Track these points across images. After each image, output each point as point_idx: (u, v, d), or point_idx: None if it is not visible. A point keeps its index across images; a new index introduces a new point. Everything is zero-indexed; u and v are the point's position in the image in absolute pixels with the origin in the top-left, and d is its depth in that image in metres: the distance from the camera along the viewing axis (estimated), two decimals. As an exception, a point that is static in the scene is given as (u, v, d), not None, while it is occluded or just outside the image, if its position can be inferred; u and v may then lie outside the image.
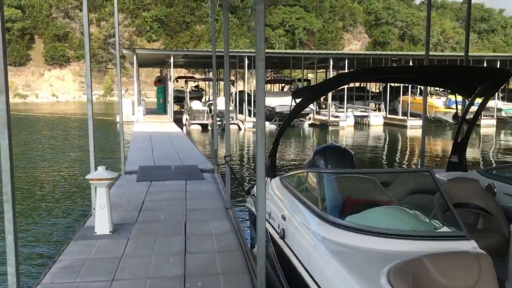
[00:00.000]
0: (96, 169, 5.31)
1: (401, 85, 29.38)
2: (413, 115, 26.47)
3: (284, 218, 3.82)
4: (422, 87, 27.09)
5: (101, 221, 5.12)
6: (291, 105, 4.71)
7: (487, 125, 26.40)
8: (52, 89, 73.40)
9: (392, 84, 32.95)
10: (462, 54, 8.79)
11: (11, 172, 3.01)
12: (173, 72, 25.40)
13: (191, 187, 7.76)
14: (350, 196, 3.80)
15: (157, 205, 6.46)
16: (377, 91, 37.12)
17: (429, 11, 10.18)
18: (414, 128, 25.19)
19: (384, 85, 38.64)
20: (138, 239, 4.96)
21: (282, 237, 3.69)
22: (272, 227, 4.05)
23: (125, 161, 9.51)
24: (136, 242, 4.84)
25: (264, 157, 3.14)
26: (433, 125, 25.93)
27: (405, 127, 25.39)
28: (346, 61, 26.33)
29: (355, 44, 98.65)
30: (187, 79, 28.16)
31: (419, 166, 10.86)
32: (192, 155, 11.67)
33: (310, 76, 47.77)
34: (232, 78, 34.88)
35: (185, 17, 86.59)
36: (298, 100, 4.72)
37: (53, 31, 75.91)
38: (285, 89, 40.33)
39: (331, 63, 25.91)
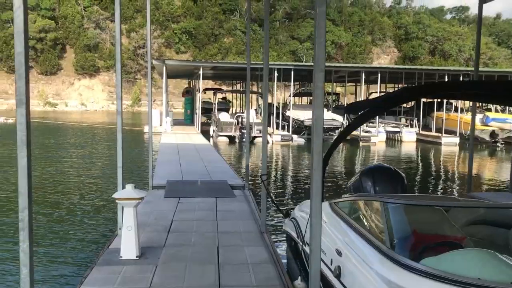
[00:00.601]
0: (124, 187, 4.89)
1: (435, 100, 28.50)
2: (448, 131, 25.54)
3: (339, 253, 3.29)
4: (458, 103, 26.33)
5: (127, 245, 4.68)
6: (343, 122, 4.19)
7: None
8: (81, 98, 74.65)
9: (425, 100, 32.09)
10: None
11: (29, 197, 2.58)
12: (201, 84, 25.21)
13: (222, 205, 7.29)
14: (416, 230, 3.25)
15: (187, 226, 6.01)
16: (408, 106, 36.07)
17: (479, 28, 9.55)
18: (449, 145, 24.25)
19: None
20: (167, 266, 4.49)
21: (337, 276, 3.16)
22: (323, 262, 3.52)
23: (152, 174, 9.14)
24: (164, 270, 4.37)
25: (321, 186, 2.63)
26: (467, 143, 24.96)
27: (440, 144, 24.46)
28: (379, 75, 25.56)
29: (383, 58, 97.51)
30: (215, 90, 27.95)
31: (466, 190, 10.14)
32: (221, 169, 11.23)
33: (338, 89, 47.12)
34: (258, 89, 34.62)
35: (214, 30, 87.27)
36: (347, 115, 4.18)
37: (84, 42, 77.47)
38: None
39: (363, 77, 25.21)
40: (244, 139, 22.08)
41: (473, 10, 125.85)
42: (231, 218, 6.50)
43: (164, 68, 24.54)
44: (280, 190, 11.57)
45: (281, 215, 6.32)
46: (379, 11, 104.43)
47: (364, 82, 29.77)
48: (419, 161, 19.94)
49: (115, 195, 4.76)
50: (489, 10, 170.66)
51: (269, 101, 29.85)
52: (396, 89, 39.31)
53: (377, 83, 33.65)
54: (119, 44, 5.40)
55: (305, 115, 24.90)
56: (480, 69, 34.56)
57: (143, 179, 11.79)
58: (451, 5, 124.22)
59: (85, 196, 9.97)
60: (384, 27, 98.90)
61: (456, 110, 26.99)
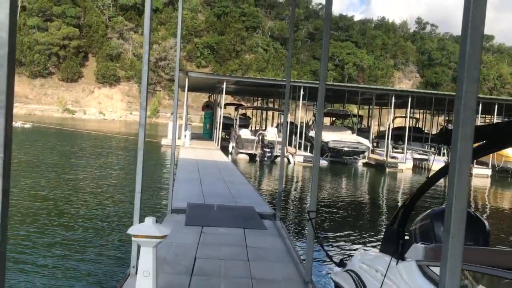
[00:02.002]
0: (141, 219, 3.89)
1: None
2: (478, 162, 24.16)
3: None
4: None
5: (143, 295, 3.66)
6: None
7: None
8: (100, 107, 74.66)
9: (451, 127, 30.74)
10: None
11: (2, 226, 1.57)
12: (223, 99, 24.38)
13: (252, 239, 6.24)
14: None
15: (213, 267, 4.96)
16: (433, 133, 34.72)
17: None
18: (479, 177, 22.91)
19: (442, 126, 36.43)
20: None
21: None
22: None
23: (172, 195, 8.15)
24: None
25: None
26: (499, 175, 23.60)
27: (470, 175, 23.08)
28: (409, 98, 24.38)
29: (405, 83, 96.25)
30: (237, 106, 27.08)
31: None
32: (246, 192, 10.20)
33: (360, 112, 45.96)
34: (276, 106, 33.71)
35: (236, 46, 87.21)
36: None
37: (107, 51, 77.84)
38: (335, 124, 38.78)
39: (393, 100, 24.11)
40: (266, 158, 21.06)
41: (498, 39, 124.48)
42: (265, 258, 5.44)
43: (187, 80, 23.76)
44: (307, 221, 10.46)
45: (331, 262, 5.25)
46: (403, 36, 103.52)
47: (387, 106, 28.71)
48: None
49: (130, 231, 3.76)
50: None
51: (291, 119, 28.90)
52: (424, 114, 38.01)
53: (402, 107, 32.53)
54: (147, 56, 4.46)
55: (330, 137, 23.84)
56: (496, 97, 32.48)
57: (160, 199, 10.83)
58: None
59: (95, 222, 9.01)
60: (407, 51, 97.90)
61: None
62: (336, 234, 8.85)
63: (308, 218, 4.70)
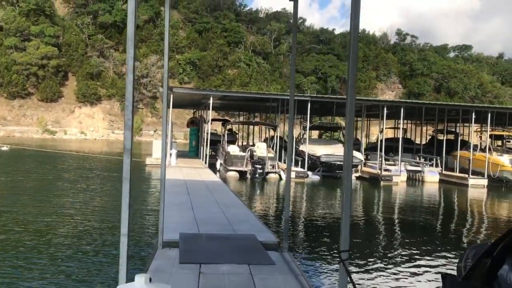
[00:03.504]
0: (130, 278, 2.91)
1: (459, 138, 26.74)
2: (473, 172, 23.58)
3: None
4: (488, 143, 24.51)
5: None
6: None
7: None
8: (81, 126, 73.03)
9: (441, 137, 30.29)
10: None
11: None
12: (210, 114, 23.43)
13: (261, 279, 5.25)
14: None
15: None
16: (423, 143, 34.15)
17: None
18: (476, 187, 22.30)
19: (431, 136, 35.98)
20: None
21: None
22: None
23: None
24: None
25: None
26: (495, 185, 23.03)
27: (466, 186, 22.46)
28: (402, 109, 23.76)
29: (388, 94, 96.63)
30: (224, 122, 26.14)
31: None
32: (243, 217, 9.22)
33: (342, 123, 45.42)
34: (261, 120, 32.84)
35: (218, 61, 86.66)
36: None
37: (87, 69, 76.49)
38: (323, 137, 38.08)
39: (385, 111, 23.46)
40: (257, 175, 20.09)
41: (476, 49, 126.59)
42: (281, 306, 4.47)
43: (171, 96, 22.79)
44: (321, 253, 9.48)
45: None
46: (384, 47, 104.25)
47: (377, 117, 28.13)
48: (453, 207, 17.90)
49: (116, 295, 2.78)
50: (491, 50, 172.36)
51: (280, 134, 28.03)
52: (411, 124, 37.49)
53: (391, 118, 31.98)
54: (132, 75, 3.51)
55: (322, 151, 23.06)
56: (489, 105, 32.31)
57: (148, 228, 9.79)
58: (454, 43, 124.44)
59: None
60: (389, 63, 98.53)
61: (482, 150, 25.14)
62: (368, 269, 7.70)
63: (340, 260, 3.75)
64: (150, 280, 2.80)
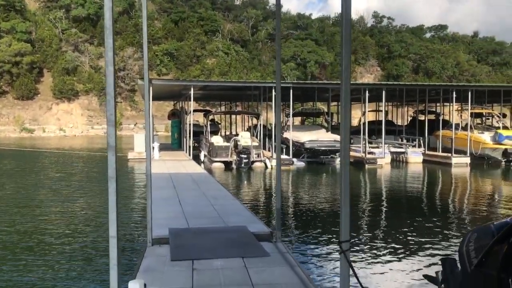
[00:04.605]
0: (122, 281, 2.71)
1: (440, 118, 26.92)
2: (456, 151, 23.80)
3: None
4: (470, 121, 24.75)
5: None
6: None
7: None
8: (59, 123, 71.67)
9: (422, 118, 30.50)
10: None
11: None
12: (192, 105, 23.07)
13: (257, 273, 5.10)
14: None
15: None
16: (404, 124, 34.33)
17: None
18: (459, 166, 22.49)
19: (411, 117, 36.21)
20: None
21: None
22: None
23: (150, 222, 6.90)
24: None
25: None
26: (477, 162, 23.31)
27: (449, 165, 22.65)
28: (384, 92, 23.78)
29: (367, 77, 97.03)
30: (206, 112, 25.83)
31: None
32: (233, 208, 9.06)
33: (325, 108, 45.42)
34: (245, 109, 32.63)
35: (196, 51, 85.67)
36: None
37: (62, 65, 74.84)
38: (305, 123, 37.97)
39: (367, 95, 23.44)
40: (243, 165, 19.90)
41: (452, 29, 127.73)
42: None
43: (150, 88, 22.35)
44: (319, 244, 9.36)
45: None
46: (361, 31, 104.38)
47: (360, 101, 28.15)
48: (439, 185, 18.04)
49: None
50: (466, 29, 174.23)
51: (263, 122, 27.85)
52: (392, 106, 37.67)
53: (372, 101, 31.98)
54: (112, 71, 3.28)
55: (305, 137, 22.96)
56: (469, 84, 33.03)
57: (135, 224, 9.55)
58: (430, 24, 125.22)
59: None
60: (367, 46, 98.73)
61: (464, 128, 25.37)
62: (365, 257, 7.52)
63: (341, 251, 3.61)
64: (145, 286, 2.62)
